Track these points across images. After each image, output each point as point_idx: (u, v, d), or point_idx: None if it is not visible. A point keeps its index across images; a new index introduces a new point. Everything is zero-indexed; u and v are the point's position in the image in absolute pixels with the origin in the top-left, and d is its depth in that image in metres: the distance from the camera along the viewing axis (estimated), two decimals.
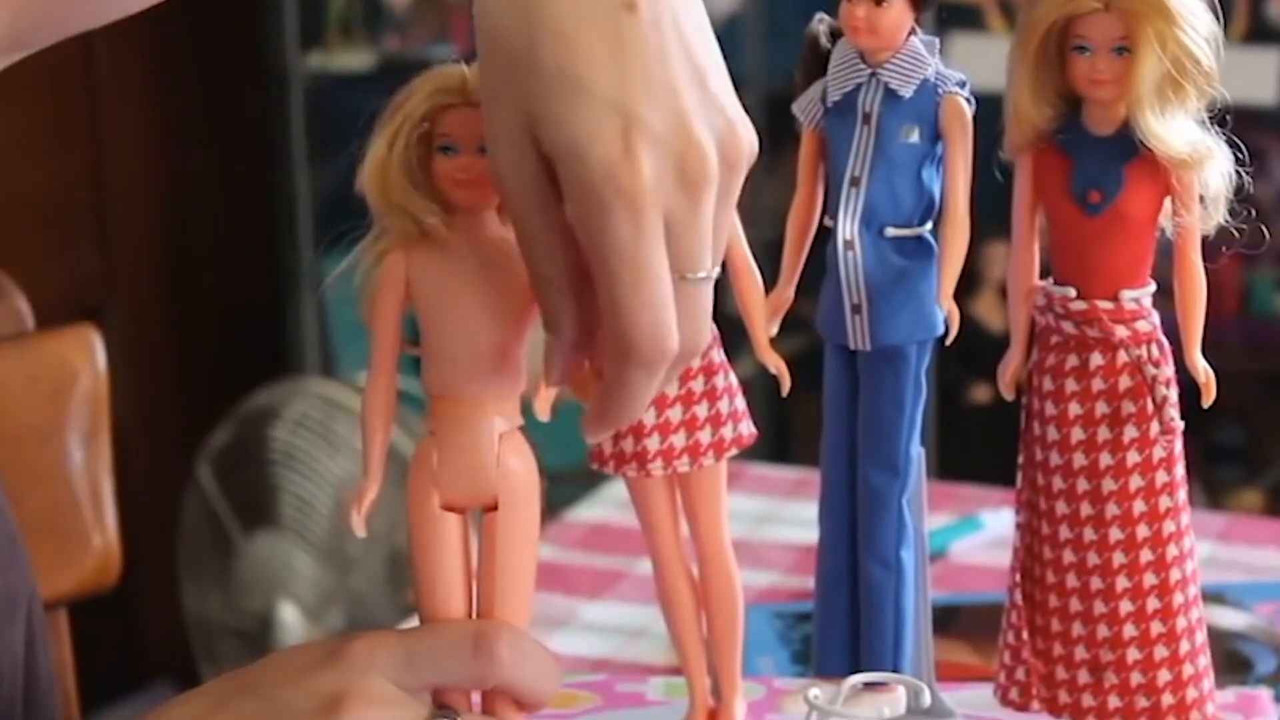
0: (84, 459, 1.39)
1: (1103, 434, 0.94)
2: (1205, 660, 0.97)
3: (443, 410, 0.85)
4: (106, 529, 1.41)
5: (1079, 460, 0.94)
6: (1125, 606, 0.95)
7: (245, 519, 2.75)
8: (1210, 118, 0.92)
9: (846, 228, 0.97)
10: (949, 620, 1.25)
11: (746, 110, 0.83)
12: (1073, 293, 0.94)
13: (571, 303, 0.83)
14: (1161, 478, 0.94)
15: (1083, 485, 0.94)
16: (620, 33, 0.79)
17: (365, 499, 0.85)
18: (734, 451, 0.96)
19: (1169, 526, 0.95)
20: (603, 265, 0.79)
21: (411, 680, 0.81)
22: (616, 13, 0.79)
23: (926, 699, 0.97)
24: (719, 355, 0.95)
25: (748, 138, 0.81)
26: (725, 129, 0.80)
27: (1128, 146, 0.92)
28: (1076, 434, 0.94)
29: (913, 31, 0.97)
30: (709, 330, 0.84)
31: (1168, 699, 0.95)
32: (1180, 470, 0.95)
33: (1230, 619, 1.26)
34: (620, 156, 0.78)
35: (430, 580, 0.85)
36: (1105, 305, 0.94)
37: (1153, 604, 0.95)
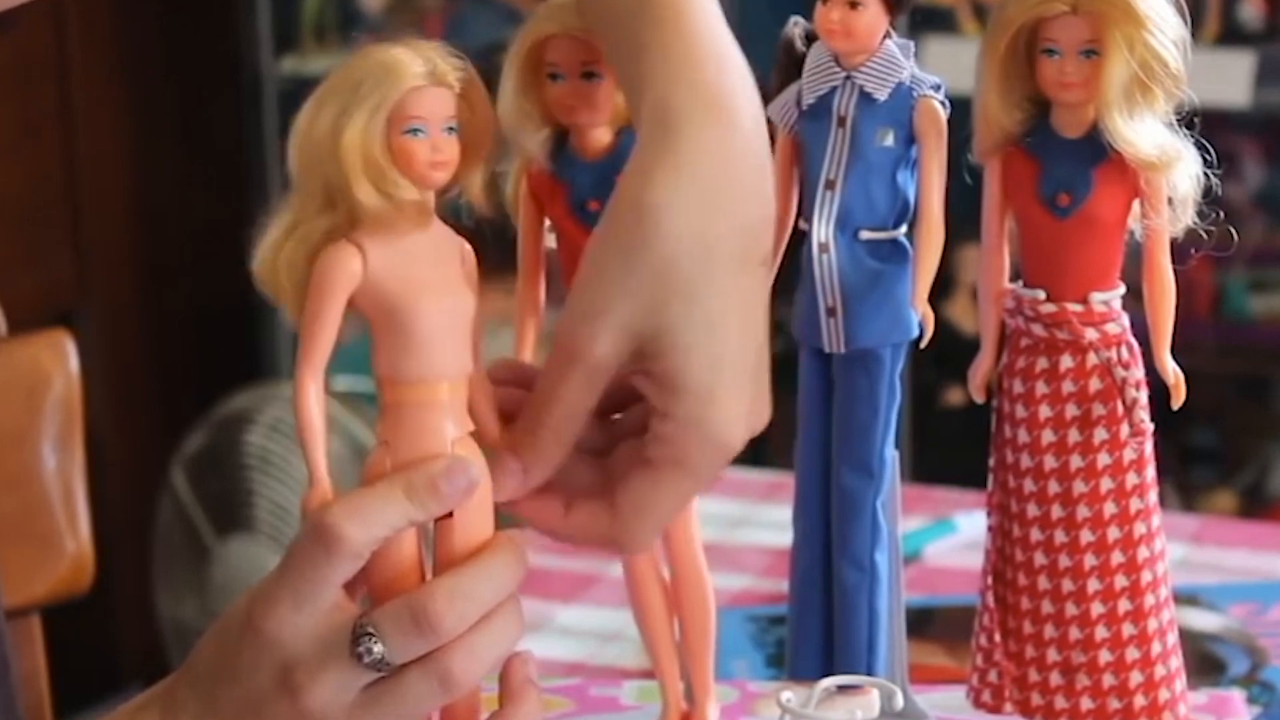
0: (57, 464, 1.39)
1: (1073, 436, 0.94)
2: (1177, 661, 0.97)
3: (399, 396, 0.83)
4: (80, 534, 1.41)
5: (1050, 463, 0.94)
6: (1097, 608, 0.95)
7: (220, 524, 2.74)
8: (1179, 120, 0.92)
9: (821, 231, 0.98)
10: (923, 623, 1.25)
11: None
12: (1042, 295, 0.94)
13: (559, 455, 0.85)
14: (1132, 480, 0.94)
15: (1054, 488, 0.94)
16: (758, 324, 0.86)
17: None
18: None
19: (1140, 528, 0.95)
20: (661, 471, 0.84)
21: (309, 609, 0.80)
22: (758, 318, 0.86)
23: (900, 702, 0.98)
24: None
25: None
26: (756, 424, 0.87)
27: (1096, 149, 0.92)
28: (1047, 436, 0.94)
29: (887, 34, 0.98)
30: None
31: (1140, 700, 0.95)
32: (1151, 472, 0.95)
33: (1203, 621, 1.26)
34: (741, 435, 0.85)
35: (387, 594, 0.82)
36: (1075, 308, 0.94)
37: (1124, 606, 0.95)
